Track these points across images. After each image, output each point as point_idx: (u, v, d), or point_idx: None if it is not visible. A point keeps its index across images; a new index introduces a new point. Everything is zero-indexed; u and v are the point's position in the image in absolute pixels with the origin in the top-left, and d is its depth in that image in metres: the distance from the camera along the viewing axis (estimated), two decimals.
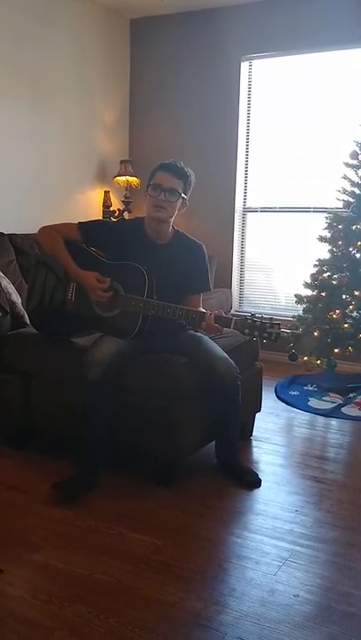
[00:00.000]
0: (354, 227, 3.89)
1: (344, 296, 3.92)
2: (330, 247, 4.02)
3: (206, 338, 2.71)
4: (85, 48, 4.76)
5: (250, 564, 2.09)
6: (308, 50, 4.54)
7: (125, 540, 2.21)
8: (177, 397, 2.56)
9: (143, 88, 5.25)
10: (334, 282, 3.95)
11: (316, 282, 4.04)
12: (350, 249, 3.92)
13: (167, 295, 2.57)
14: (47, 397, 2.91)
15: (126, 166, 4.98)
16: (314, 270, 4.08)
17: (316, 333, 4.00)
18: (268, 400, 3.74)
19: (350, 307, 3.85)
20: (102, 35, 4.92)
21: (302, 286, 4.11)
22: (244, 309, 5.03)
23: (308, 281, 4.09)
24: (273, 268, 5.07)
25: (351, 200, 3.97)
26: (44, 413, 2.91)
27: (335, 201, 4.06)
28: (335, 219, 3.99)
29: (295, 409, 3.71)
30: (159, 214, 2.60)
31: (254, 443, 3.18)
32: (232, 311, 4.99)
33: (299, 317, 4.12)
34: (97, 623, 1.77)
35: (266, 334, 2.40)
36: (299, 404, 3.77)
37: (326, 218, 4.05)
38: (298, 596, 1.93)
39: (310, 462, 2.95)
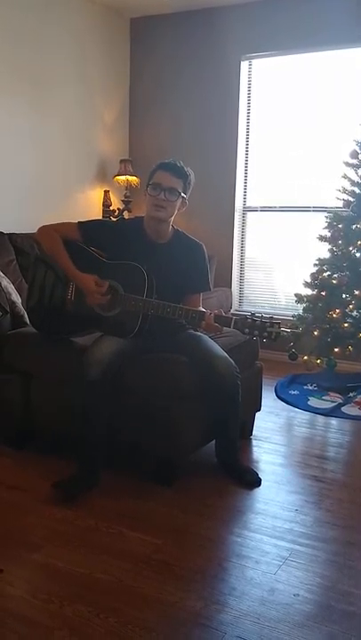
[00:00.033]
0: (354, 226, 3.90)
1: (344, 295, 3.92)
2: (330, 246, 4.03)
3: (206, 337, 2.71)
4: (85, 47, 4.76)
5: (250, 564, 2.09)
6: (308, 49, 4.54)
7: (125, 540, 2.21)
8: (177, 397, 2.56)
9: (143, 87, 5.24)
10: (334, 281, 3.95)
11: (317, 281, 4.04)
12: (350, 248, 3.92)
13: (167, 295, 2.57)
14: (47, 397, 2.91)
15: (126, 166, 4.98)
16: (314, 269, 4.08)
17: (316, 333, 4.01)
18: (268, 399, 3.74)
19: (350, 306, 3.85)
20: (102, 34, 4.92)
21: (302, 285, 4.11)
22: (244, 309, 5.04)
23: (309, 280, 4.09)
24: (273, 268, 5.06)
25: (351, 199, 3.97)
26: (44, 413, 2.91)
27: (335, 200, 4.06)
28: (335, 218, 3.99)
29: (295, 408, 3.71)
30: (159, 214, 2.60)
31: (254, 442, 3.18)
32: (232, 310, 4.99)
33: (299, 317, 4.12)
34: (97, 622, 1.77)
35: (266, 333, 2.40)
36: (299, 403, 3.77)
37: (326, 217, 4.05)
38: (298, 595, 1.93)
39: (310, 461, 2.95)
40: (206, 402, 2.67)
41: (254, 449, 3.11)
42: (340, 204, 4.02)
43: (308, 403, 3.78)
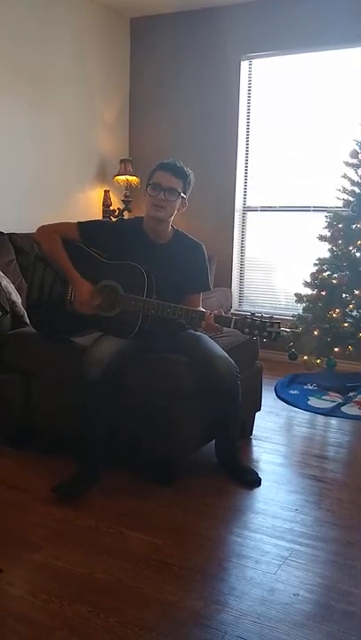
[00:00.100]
0: (354, 226, 3.90)
1: (344, 295, 3.92)
2: (330, 246, 4.03)
3: (206, 337, 2.71)
4: (85, 47, 4.76)
5: (250, 563, 2.09)
6: (308, 49, 4.54)
7: (125, 539, 2.21)
8: (177, 397, 2.56)
9: (143, 87, 5.24)
10: (334, 281, 3.95)
11: (316, 281, 4.04)
12: (350, 248, 3.92)
13: (167, 295, 2.57)
14: (47, 397, 2.91)
15: (126, 165, 4.98)
16: (314, 269, 4.08)
17: (316, 332, 4.01)
18: (268, 399, 3.74)
19: (350, 306, 3.86)
20: (102, 34, 4.92)
21: (302, 285, 4.11)
22: (244, 308, 5.04)
23: (308, 280, 4.09)
24: (273, 267, 5.07)
25: (351, 199, 3.97)
26: (44, 413, 2.91)
27: (335, 200, 4.06)
28: (335, 218, 3.99)
29: (295, 408, 3.71)
30: (158, 213, 2.60)
31: (254, 442, 3.18)
32: (232, 310, 4.99)
33: (299, 316, 4.12)
34: (97, 622, 1.77)
35: (266, 333, 2.40)
36: (299, 403, 3.77)
37: (326, 217, 4.06)
38: (298, 595, 1.93)
39: (310, 461, 2.95)
40: (206, 402, 2.67)
41: (254, 449, 3.11)
42: (340, 203, 4.02)
43: (308, 402, 3.78)
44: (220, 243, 4.90)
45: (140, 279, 2.55)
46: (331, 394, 3.92)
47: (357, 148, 3.95)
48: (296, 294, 4.14)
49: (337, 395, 3.90)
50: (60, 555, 2.10)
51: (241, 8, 4.68)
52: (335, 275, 3.98)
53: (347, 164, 3.99)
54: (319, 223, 4.10)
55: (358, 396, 3.85)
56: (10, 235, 3.82)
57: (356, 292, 3.81)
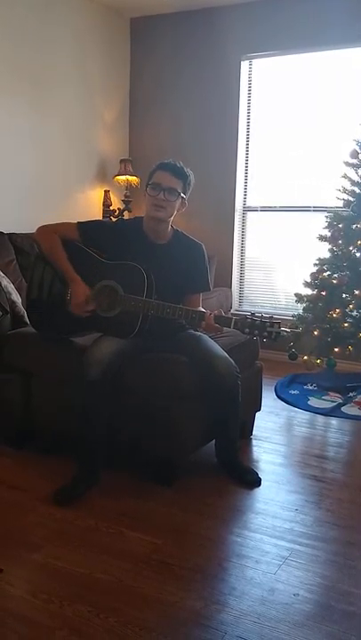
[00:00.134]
0: (354, 226, 3.90)
1: (344, 295, 3.92)
2: (330, 246, 4.03)
3: (206, 337, 2.71)
4: (85, 47, 4.76)
5: (250, 563, 2.09)
6: (309, 49, 4.54)
7: (125, 539, 2.21)
8: (177, 397, 2.56)
9: (143, 87, 5.25)
10: (334, 281, 3.95)
11: (317, 281, 4.04)
12: (350, 248, 3.92)
13: (167, 295, 2.57)
14: (47, 397, 2.91)
15: (126, 165, 4.98)
16: (314, 269, 4.08)
17: (316, 332, 4.01)
18: (268, 399, 3.74)
19: (350, 306, 3.85)
20: (102, 33, 4.92)
21: (302, 285, 4.11)
22: (244, 309, 5.04)
23: (309, 280, 4.09)
24: (273, 268, 5.07)
25: (351, 199, 3.97)
26: (44, 413, 2.91)
27: (335, 200, 4.06)
28: (335, 218, 3.99)
29: (295, 408, 3.71)
30: (158, 214, 2.60)
31: (254, 442, 3.18)
32: (232, 310, 4.99)
33: (299, 316, 4.12)
34: (97, 622, 1.77)
35: (266, 333, 2.40)
36: (299, 403, 3.77)
37: (326, 217, 4.06)
38: (298, 595, 1.93)
39: (310, 461, 2.95)
40: (206, 402, 2.67)
41: (254, 449, 3.11)
42: (341, 203, 4.02)
43: (308, 402, 3.78)
44: (220, 243, 4.90)
45: (140, 279, 2.55)
46: (331, 394, 3.92)
47: (357, 148, 3.95)
48: (296, 294, 4.15)
49: (337, 395, 3.90)
50: (60, 555, 2.10)
51: (241, 8, 4.68)
52: (335, 275, 3.98)
53: (347, 164, 3.99)
54: (319, 223, 4.10)
55: (358, 397, 3.85)
56: (10, 235, 3.82)
57: (357, 292, 3.81)
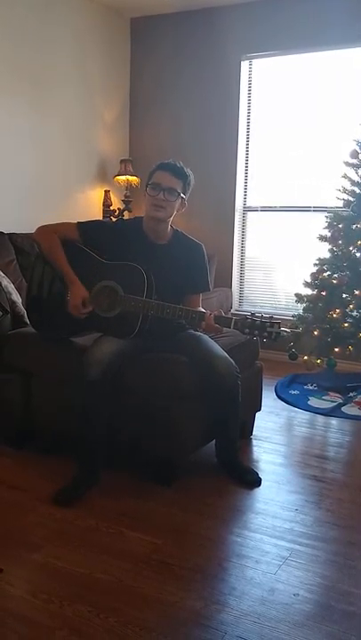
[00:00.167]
0: (354, 226, 3.90)
1: (344, 295, 3.92)
2: (330, 246, 4.03)
3: (206, 337, 2.71)
4: (85, 47, 4.76)
5: (250, 563, 2.09)
6: (309, 49, 4.54)
7: (125, 539, 2.21)
8: (177, 397, 2.56)
9: (143, 87, 5.25)
10: (334, 281, 3.95)
11: (317, 281, 4.04)
12: (350, 248, 3.92)
13: (167, 295, 2.57)
14: (47, 397, 2.91)
15: (126, 165, 4.98)
16: (314, 269, 4.08)
17: (316, 332, 4.01)
18: (269, 399, 3.74)
19: (350, 306, 3.86)
20: (102, 33, 4.92)
21: (302, 285, 4.11)
22: (244, 309, 5.04)
23: (309, 280, 4.09)
24: (273, 268, 5.07)
25: (351, 199, 3.97)
26: (44, 413, 2.91)
27: (335, 200, 4.06)
28: (335, 218, 3.99)
29: (295, 408, 3.71)
30: (158, 214, 2.60)
31: (254, 442, 3.18)
32: (232, 310, 4.99)
33: (299, 316, 4.12)
34: (97, 622, 1.77)
35: (266, 333, 2.40)
36: (299, 403, 3.77)
37: (326, 217, 4.06)
38: (298, 595, 1.93)
39: (310, 461, 2.95)
40: (206, 402, 2.67)
41: (254, 449, 3.11)
42: (341, 203, 4.02)
43: (309, 402, 3.78)
44: (220, 243, 4.90)
45: (140, 279, 2.55)
46: (331, 394, 3.92)
47: (357, 148, 3.95)
48: (296, 294, 4.15)
49: (337, 395, 3.90)
50: (60, 555, 2.10)
51: (241, 8, 4.68)
52: (335, 275, 3.98)
53: (347, 164, 3.99)
54: (319, 223, 4.10)
55: (358, 397, 3.85)
56: (10, 235, 3.82)
57: (357, 292, 3.81)
